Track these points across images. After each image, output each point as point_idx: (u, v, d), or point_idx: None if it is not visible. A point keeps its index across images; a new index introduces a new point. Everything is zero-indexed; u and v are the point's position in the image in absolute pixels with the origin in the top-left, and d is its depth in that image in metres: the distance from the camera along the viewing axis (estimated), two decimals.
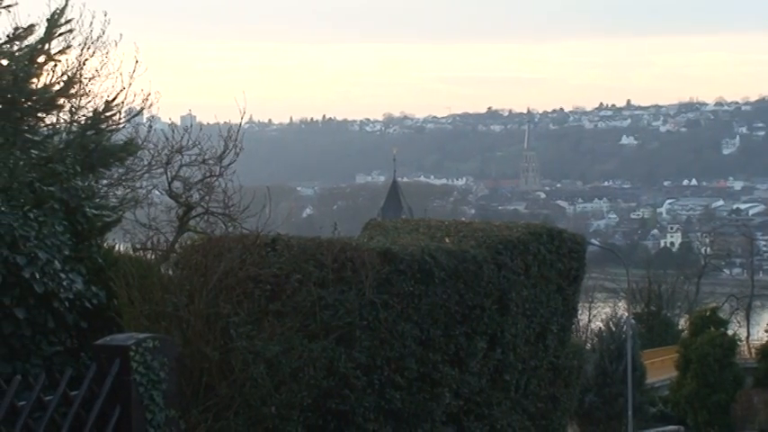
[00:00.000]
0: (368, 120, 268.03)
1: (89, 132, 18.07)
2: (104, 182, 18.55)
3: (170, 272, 12.86)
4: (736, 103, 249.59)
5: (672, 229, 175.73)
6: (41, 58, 17.61)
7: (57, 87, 17.69)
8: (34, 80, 17.40)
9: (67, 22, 17.94)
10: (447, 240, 15.03)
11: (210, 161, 18.36)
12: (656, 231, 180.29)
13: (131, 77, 18.44)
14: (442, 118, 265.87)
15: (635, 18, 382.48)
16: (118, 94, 18.34)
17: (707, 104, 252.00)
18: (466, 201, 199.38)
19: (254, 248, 12.60)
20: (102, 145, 18.02)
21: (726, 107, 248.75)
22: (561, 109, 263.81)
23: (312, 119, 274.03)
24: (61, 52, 17.87)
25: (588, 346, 55.56)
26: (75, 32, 18.03)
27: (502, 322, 15.32)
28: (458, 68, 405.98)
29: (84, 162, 15.95)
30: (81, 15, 18.09)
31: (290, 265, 12.62)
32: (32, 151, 14.98)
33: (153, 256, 14.28)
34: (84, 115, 18.24)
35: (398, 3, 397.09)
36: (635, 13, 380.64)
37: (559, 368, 17.13)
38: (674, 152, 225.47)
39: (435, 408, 14.11)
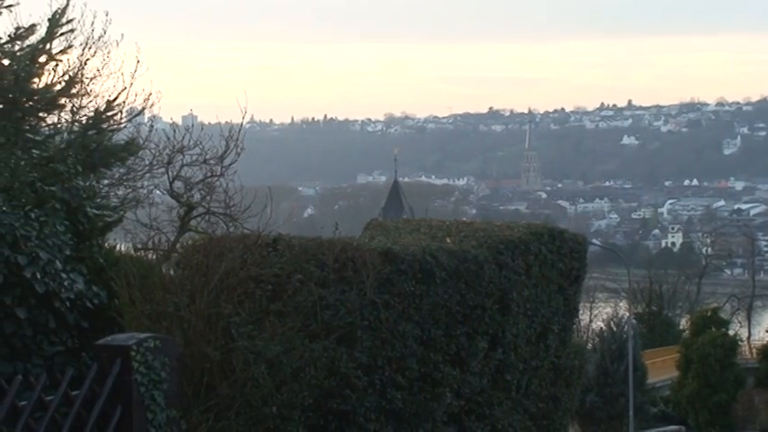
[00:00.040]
0: (369, 120, 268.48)
1: (90, 132, 18.08)
2: (106, 182, 18.55)
3: (171, 272, 12.86)
4: (738, 103, 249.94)
5: (673, 229, 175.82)
6: (43, 58, 17.61)
7: (58, 87, 17.70)
8: (36, 80, 17.41)
9: (69, 21, 17.95)
10: (448, 240, 15.02)
11: (212, 161, 18.37)
12: (657, 231, 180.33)
13: (133, 77, 18.46)
14: (444, 118, 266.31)
15: (636, 18, 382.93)
16: (119, 93, 18.37)
17: (708, 104, 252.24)
18: (467, 201, 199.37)
19: (255, 248, 12.60)
20: (103, 145, 18.03)
21: (727, 107, 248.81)
22: (562, 109, 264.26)
23: (313, 119, 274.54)
24: (62, 52, 17.88)
25: (589, 346, 55.61)
26: (76, 32, 18.06)
27: (503, 322, 15.31)
28: (459, 68, 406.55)
29: (86, 162, 15.95)
30: (82, 15, 18.12)
31: (292, 265, 12.61)
32: (34, 151, 14.99)
33: (154, 256, 14.30)
34: (85, 115, 18.26)
35: (400, 2, 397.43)
36: (636, 14, 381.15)
37: (561, 368, 17.12)
38: (675, 152, 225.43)
39: (436, 408, 14.10)
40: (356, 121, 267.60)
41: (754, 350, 63.36)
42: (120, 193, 19.00)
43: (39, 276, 11.04)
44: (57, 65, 17.75)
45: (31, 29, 17.55)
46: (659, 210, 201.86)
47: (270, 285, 12.29)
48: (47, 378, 8.89)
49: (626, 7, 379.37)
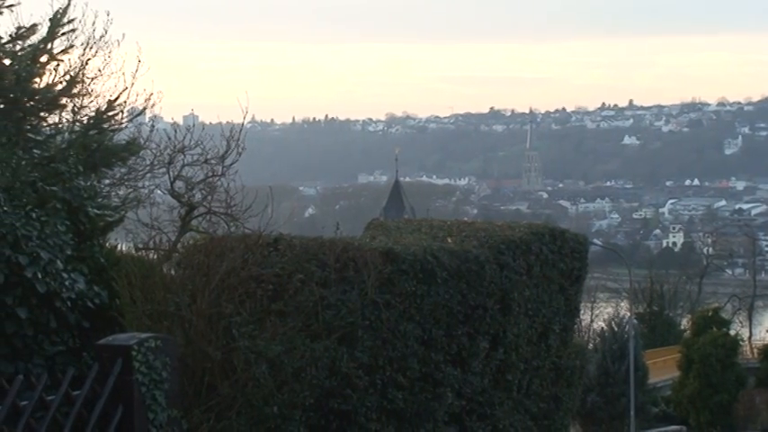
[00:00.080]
0: (370, 119, 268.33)
1: (91, 132, 18.08)
2: (107, 181, 18.55)
3: (172, 271, 12.86)
4: (739, 103, 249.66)
5: (674, 229, 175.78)
6: (44, 58, 17.62)
7: (59, 87, 17.70)
8: (37, 80, 17.41)
9: (70, 21, 17.95)
10: (449, 240, 15.03)
11: (213, 161, 18.36)
12: (658, 231, 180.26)
13: (134, 77, 18.46)
14: (445, 118, 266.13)
15: (637, 18, 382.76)
16: (120, 93, 18.37)
17: (709, 104, 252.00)
18: (468, 201, 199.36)
19: (256, 248, 12.60)
20: (104, 145, 18.03)
21: (728, 107, 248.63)
22: (563, 109, 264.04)
23: (314, 119, 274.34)
24: (64, 52, 17.88)
25: (590, 346, 55.54)
26: (77, 32, 18.05)
27: (504, 322, 15.31)
28: (460, 68, 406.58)
29: (87, 162, 15.94)
30: (83, 15, 18.12)
31: (293, 264, 12.62)
32: (35, 151, 15.00)
33: (155, 256, 14.30)
34: (86, 115, 18.25)
35: (401, 2, 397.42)
36: (637, 14, 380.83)
37: (562, 368, 17.12)
38: (676, 152, 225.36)
39: (437, 408, 14.10)
40: (357, 120, 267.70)
41: (755, 350, 63.34)
42: (121, 192, 19.00)
43: (40, 276, 11.04)
44: (58, 65, 17.77)
45: (33, 28, 17.55)
46: (660, 210, 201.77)
47: (271, 285, 12.29)
48: (48, 378, 8.89)
49: (628, 7, 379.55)
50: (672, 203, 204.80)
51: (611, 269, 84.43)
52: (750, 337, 74.80)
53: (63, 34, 17.84)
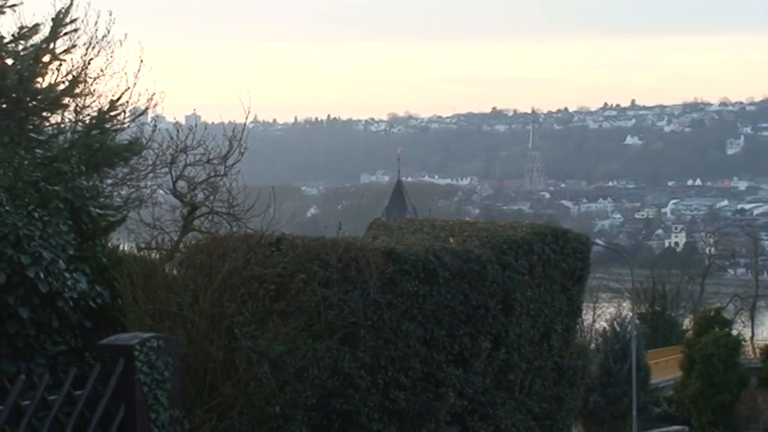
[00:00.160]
0: (372, 119, 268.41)
1: (94, 132, 18.06)
2: (109, 181, 18.53)
3: (174, 271, 12.86)
4: (741, 103, 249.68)
5: (676, 229, 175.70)
6: (46, 58, 17.60)
7: (61, 87, 17.68)
8: (39, 79, 17.40)
9: (72, 21, 17.93)
10: (451, 240, 15.02)
11: (215, 161, 18.34)
12: (660, 231, 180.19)
13: (136, 77, 18.43)
14: (447, 118, 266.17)
15: (639, 18, 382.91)
16: (123, 93, 18.33)
17: (711, 104, 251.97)
18: (470, 201, 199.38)
19: (258, 248, 12.60)
20: (106, 144, 18.01)
21: (730, 107, 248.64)
22: (566, 109, 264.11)
23: (317, 119, 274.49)
24: (66, 51, 17.86)
25: (593, 346, 55.48)
26: (80, 32, 18.02)
27: (506, 322, 15.31)
28: (462, 68, 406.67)
29: (89, 161, 15.92)
30: (86, 15, 18.08)
31: (295, 264, 12.62)
32: (37, 150, 14.99)
33: (157, 256, 14.31)
34: (88, 115, 18.24)
35: (401, 2, 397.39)
36: (639, 14, 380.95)
37: (564, 368, 17.11)
38: (678, 152, 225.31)
39: (439, 407, 14.10)
40: (359, 120, 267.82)
41: (757, 350, 63.33)
42: (123, 192, 18.98)
43: (42, 276, 11.04)
44: (60, 64, 17.74)
45: (35, 28, 17.54)
46: (662, 210, 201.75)
47: (273, 285, 12.29)
48: (50, 378, 8.89)
49: (630, 7, 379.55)
50: (674, 203, 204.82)
51: (614, 269, 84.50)
52: (752, 337, 74.80)
53: (65, 34, 17.82)
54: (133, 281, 11.92)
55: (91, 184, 13.36)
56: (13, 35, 17.37)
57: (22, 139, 15.75)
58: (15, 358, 10.92)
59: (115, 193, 18.69)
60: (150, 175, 19.07)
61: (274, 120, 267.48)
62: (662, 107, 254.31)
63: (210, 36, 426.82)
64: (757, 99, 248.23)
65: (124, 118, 18.65)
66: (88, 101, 18.17)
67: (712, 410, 52.59)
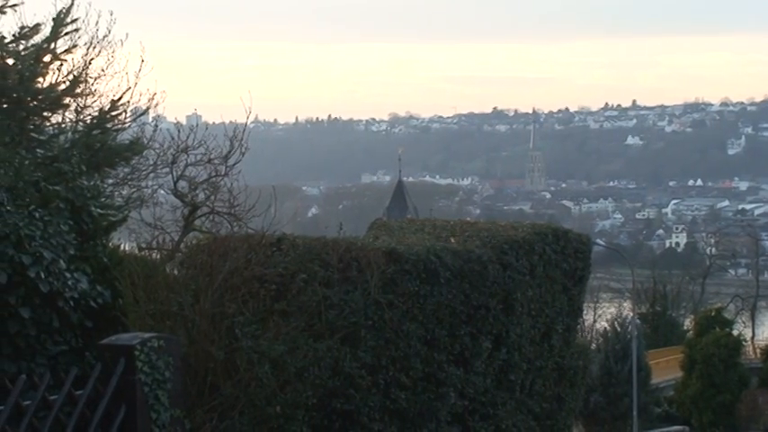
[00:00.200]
0: (373, 119, 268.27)
1: (95, 132, 18.07)
2: (110, 181, 18.53)
3: (175, 271, 12.87)
4: (742, 103, 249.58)
5: (677, 229, 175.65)
6: (47, 58, 17.60)
7: (62, 87, 17.68)
8: (40, 79, 17.40)
9: (73, 21, 17.93)
10: (452, 240, 15.02)
11: (216, 161, 18.33)
12: (661, 232, 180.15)
13: (137, 77, 18.43)
14: (448, 118, 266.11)
15: (640, 18, 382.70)
16: (123, 93, 18.33)
17: (712, 105, 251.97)
18: (471, 201, 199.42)
19: (259, 248, 12.60)
20: (107, 144, 18.02)
21: (731, 107, 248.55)
22: (567, 109, 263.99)
23: (318, 118, 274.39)
24: (67, 51, 17.86)
25: (593, 346, 55.45)
26: (80, 32, 18.02)
27: (507, 322, 15.31)
28: (463, 68, 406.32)
29: (90, 161, 15.93)
30: (87, 14, 18.09)
31: (296, 264, 12.62)
32: (38, 150, 14.99)
33: (158, 256, 14.30)
34: (89, 114, 18.24)
35: (401, 2, 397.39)
36: (639, 14, 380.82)
37: (564, 368, 17.11)
38: (679, 152, 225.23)
39: (440, 407, 14.10)
40: (360, 120, 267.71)
41: (757, 350, 63.31)
42: (124, 192, 18.97)
43: (43, 276, 11.04)
44: (61, 64, 17.74)
45: (36, 28, 17.54)
46: (663, 210, 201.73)
47: (274, 285, 12.29)
48: (51, 377, 8.89)
49: (631, 7, 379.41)
50: (675, 204, 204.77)
51: (614, 269, 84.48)
52: (753, 338, 74.83)
53: (66, 34, 17.82)
54: (134, 281, 11.92)
55: (92, 183, 13.36)
56: (13, 35, 17.37)
57: (23, 138, 15.75)
58: (16, 358, 10.92)
59: (116, 193, 18.69)
60: (151, 174, 19.07)
61: (275, 120, 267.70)
62: (663, 107, 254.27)
63: (211, 36, 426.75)
64: (758, 99, 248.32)
65: (125, 118, 18.66)
66: (89, 101, 18.18)
67: (713, 411, 52.60)
